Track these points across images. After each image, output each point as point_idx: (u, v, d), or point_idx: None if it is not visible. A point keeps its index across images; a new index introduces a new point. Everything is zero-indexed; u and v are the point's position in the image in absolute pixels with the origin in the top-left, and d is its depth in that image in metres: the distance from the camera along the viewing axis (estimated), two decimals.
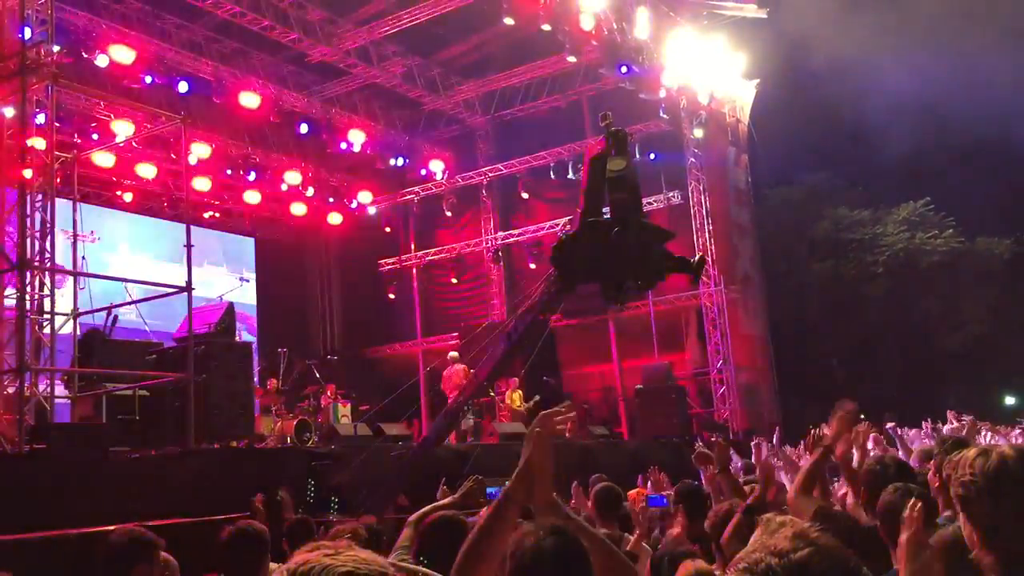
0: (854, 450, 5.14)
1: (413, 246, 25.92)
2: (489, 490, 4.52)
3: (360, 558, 1.07)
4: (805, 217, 25.46)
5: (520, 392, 17.64)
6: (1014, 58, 21.30)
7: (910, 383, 21.58)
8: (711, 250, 21.06)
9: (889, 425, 7.81)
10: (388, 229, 26.06)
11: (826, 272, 24.47)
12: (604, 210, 7.49)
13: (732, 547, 4.00)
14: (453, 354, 17.30)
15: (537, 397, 17.57)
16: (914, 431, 10.32)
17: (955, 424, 8.51)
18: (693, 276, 8.30)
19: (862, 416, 7.87)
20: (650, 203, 19.75)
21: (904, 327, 23.19)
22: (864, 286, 23.85)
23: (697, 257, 8.13)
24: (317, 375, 17.51)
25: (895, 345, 23.12)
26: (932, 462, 4.44)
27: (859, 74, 21.55)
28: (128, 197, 21.73)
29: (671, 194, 21.78)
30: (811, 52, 20.46)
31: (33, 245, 9.76)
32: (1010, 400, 25.78)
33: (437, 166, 25.22)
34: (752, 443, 7.69)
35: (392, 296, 25.79)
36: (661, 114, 20.66)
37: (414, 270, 25.81)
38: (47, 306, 9.86)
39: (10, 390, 9.44)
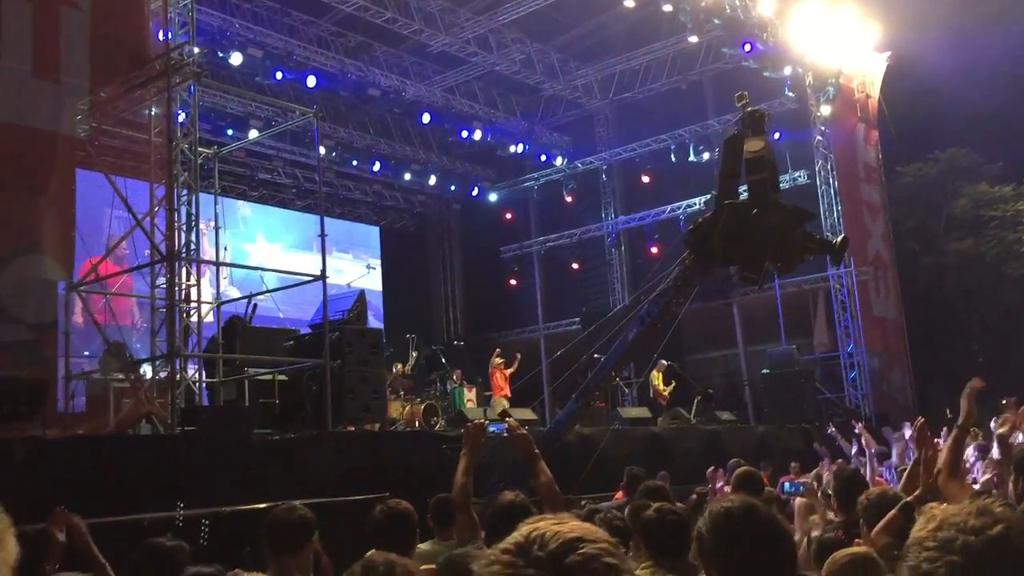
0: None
1: (533, 232, 26.07)
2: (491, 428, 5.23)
3: (585, 527, 1.12)
4: (940, 194, 24.31)
5: (661, 374, 17.67)
6: None
7: None
8: (839, 231, 20.41)
9: None
10: (509, 216, 26.32)
11: (964, 252, 23.28)
12: (740, 191, 7.38)
13: (882, 540, 3.90)
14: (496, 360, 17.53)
15: (674, 383, 17.69)
16: None
17: None
18: (836, 257, 8.12)
19: (1015, 399, 7.50)
20: None
21: None
22: (1005, 266, 22.59)
23: (840, 237, 7.90)
24: (443, 360, 17.84)
25: None
26: None
27: (996, 41, 20.43)
28: (259, 189, 22.61)
29: (797, 174, 21.21)
30: (945, 19, 19.50)
31: (180, 238, 10.27)
32: None
33: (557, 152, 25.30)
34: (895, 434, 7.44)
35: (514, 282, 26.03)
36: (787, 92, 20.12)
37: (535, 256, 25.96)
38: (194, 295, 10.38)
39: (162, 375, 9.98)
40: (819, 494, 6.15)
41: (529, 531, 1.12)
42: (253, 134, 18.85)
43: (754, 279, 7.26)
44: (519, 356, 17.75)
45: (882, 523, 4.00)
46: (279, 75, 19.03)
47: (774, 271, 7.52)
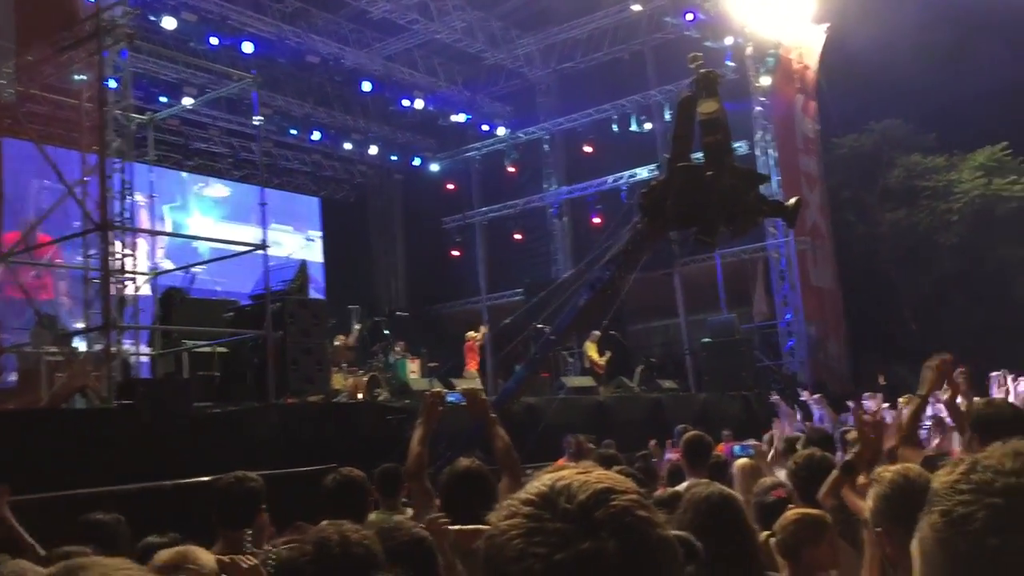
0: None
1: (476, 202, 25.93)
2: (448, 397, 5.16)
3: (611, 476, 1.05)
4: (875, 165, 24.76)
5: (596, 344, 17.41)
6: None
7: (986, 334, 20.95)
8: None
9: (994, 374, 7.62)
10: (451, 186, 26.13)
11: (898, 221, 23.80)
12: (693, 156, 7.34)
13: (829, 502, 3.89)
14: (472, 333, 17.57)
15: (608, 354, 17.41)
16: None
17: None
18: (790, 219, 8.15)
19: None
20: None
21: (980, 277, 22.46)
22: (938, 235, 23.14)
23: (793, 200, 7.92)
24: (386, 332, 17.67)
25: (970, 295, 22.44)
26: None
27: (931, 13, 20.79)
28: (194, 159, 22.06)
29: (737, 144, 21.27)
30: None
31: (113, 207, 9.95)
32: None
33: (499, 122, 25.13)
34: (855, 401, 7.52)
35: (456, 253, 25.89)
36: (727, 62, 20.18)
37: (477, 227, 25.84)
38: (128, 266, 10.08)
39: (97, 347, 9.69)
40: (769, 456, 6.19)
41: (554, 481, 1.04)
42: (187, 101, 18.32)
43: (709, 242, 7.28)
44: (483, 328, 17.75)
45: (826, 486, 3.94)
46: (214, 40, 18.54)
47: (728, 234, 7.53)
